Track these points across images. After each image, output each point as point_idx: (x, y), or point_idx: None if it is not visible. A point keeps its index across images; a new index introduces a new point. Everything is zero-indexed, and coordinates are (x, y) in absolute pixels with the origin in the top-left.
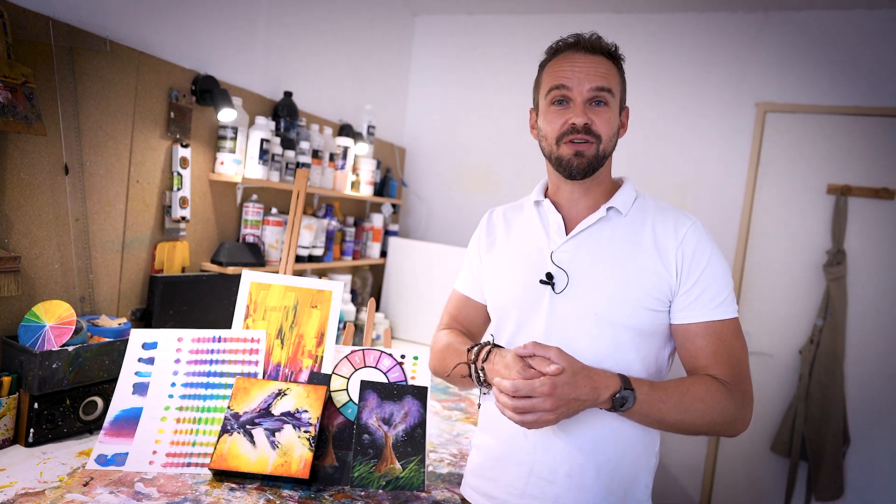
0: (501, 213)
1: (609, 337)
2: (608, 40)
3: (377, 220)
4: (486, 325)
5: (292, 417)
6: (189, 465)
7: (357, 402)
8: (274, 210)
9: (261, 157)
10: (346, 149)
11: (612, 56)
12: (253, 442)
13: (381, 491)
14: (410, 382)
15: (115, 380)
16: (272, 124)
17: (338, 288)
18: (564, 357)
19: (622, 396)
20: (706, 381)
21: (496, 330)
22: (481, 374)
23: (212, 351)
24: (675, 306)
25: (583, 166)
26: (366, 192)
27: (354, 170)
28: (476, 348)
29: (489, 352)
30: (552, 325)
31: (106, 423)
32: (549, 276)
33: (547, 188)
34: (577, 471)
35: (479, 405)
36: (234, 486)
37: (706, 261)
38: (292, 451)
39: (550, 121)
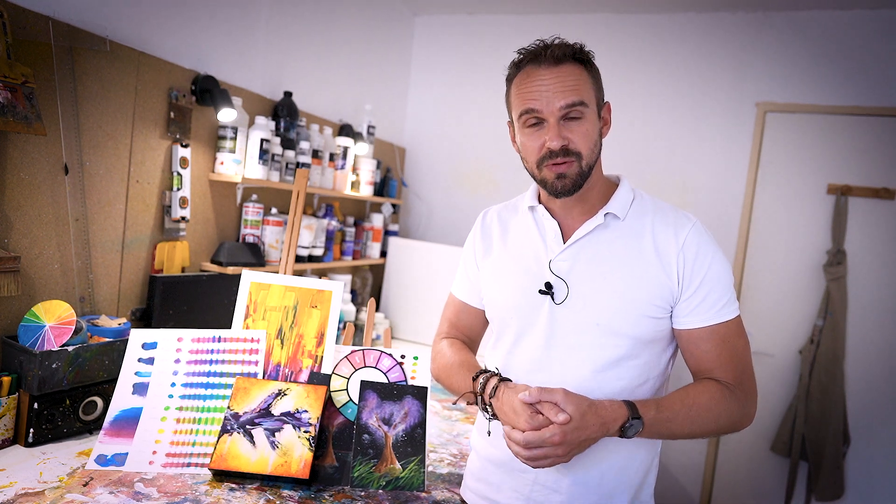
0: (496, 215)
1: (611, 347)
2: (571, 41)
3: (377, 220)
4: (486, 329)
5: (292, 417)
6: (189, 465)
7: (357, 402)
8: (274, 210)
9: (261, 157)
10: (346, 149)
11: (579, 59)
12: (253, 442)
13: (381, 491)
14: (410, 382)
15: (115, 380)
16: (272, 124)
17: (338, 288)
18: (571, 400)
19: (630, 426)
20: (710, 389)
21: (496, 338)
22: (489, 409)
23: (212, 351)
24: (677, 312)
25: (567, 187)
26: (366, 192)
27: (354, 170)
28: (483, 379)
29: (496, 387)
30: (553, 335)
31: (106, 423)
32: (549, 285)
33: (540, 192)
34: (582, 479)
35: (490, 429)
36: (234, 486)
37: (708, 265)
38: (292, 451)
39: (528, 141)
